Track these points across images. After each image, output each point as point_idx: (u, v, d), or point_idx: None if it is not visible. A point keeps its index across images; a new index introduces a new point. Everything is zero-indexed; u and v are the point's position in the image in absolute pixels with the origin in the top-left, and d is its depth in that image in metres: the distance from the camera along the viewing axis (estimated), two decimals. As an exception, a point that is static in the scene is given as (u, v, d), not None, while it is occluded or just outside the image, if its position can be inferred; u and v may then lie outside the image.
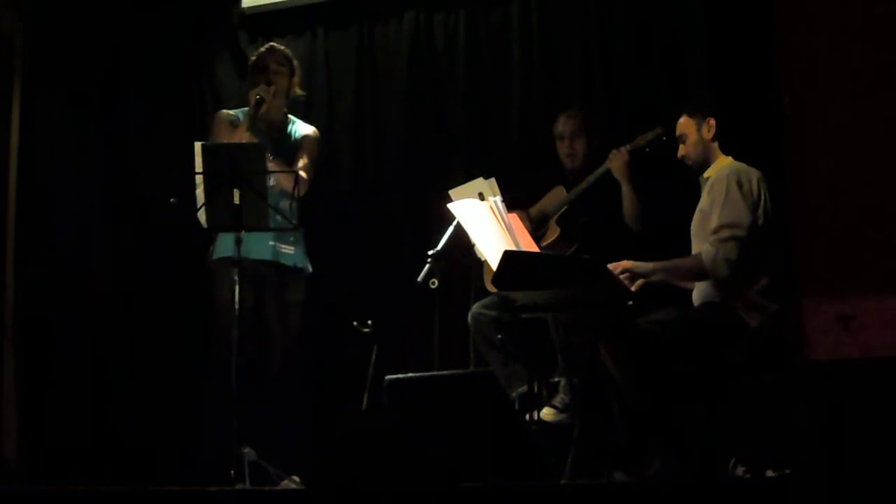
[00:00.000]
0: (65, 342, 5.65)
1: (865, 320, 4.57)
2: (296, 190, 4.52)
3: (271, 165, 4.63)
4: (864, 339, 4.53)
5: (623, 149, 4.62)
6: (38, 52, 5.87)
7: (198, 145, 4.42)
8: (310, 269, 4.91)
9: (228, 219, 4.34)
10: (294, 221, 4.57)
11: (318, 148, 5.02)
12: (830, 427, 3.75)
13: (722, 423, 3.92)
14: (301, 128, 4.99)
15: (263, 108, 4.75)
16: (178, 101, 5.79)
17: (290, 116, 5.01)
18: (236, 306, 4.30)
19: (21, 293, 5.69)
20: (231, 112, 4.98)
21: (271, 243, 4.77)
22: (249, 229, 4.44)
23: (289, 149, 4.89)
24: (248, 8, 5.80)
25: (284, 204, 4.59)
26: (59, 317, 5.66)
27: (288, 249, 4.82)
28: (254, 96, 4.74)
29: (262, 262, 4.75)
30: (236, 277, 4.32)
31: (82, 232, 5.74)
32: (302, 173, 4.70)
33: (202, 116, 5.75)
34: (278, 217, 4.54)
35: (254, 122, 4.72)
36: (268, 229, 4.58)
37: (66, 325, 5.65)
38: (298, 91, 5.03)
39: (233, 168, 4.31)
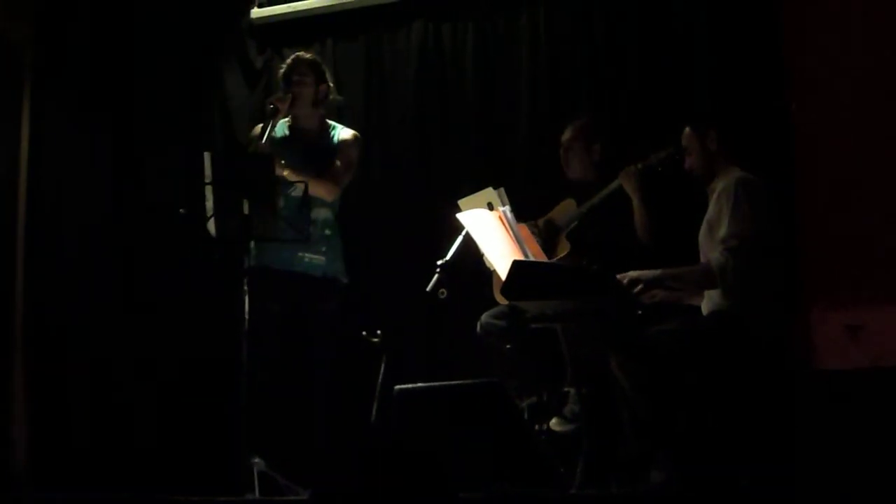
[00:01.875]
0: (74, 350, 5.65)
1: (873, 329, 4.56)
2: (307, 196, 4.57)
3: (288, 174, 4.65)
4: (872, 348, 4.53)
5: (634, 166, 4.62)
6: (47, 62, 5.88)
7: (207, 155, 4.43)
8: (344, 279, 4.92)
9: (238, 229, 4.37)
10: (305, 232, 4.60)
11: (357, 151, 5.00)
12: (838, 437, 3.76)
13: (729, 433, 3.92)
14: (341, 133, 4.99)
15: (279, 118, 4.76)
16: (187, 110, 5.80)
17: (331, 122, 5.00)
18: (246, 316, 4.32)
19: (30, 301, 5.70)
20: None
21: (300, 254, 4.78)
22: (259, 239, 4.47)
23: (332, 154, 4.90)
24: (257, 18, 5.81)
25: (304, 212, 4.63)
26: (69, 325, 5.67)
27: (318, 259, 4.84)
28: (268, 105, 4.76)
29: (291, 273, 4.77)
30: (246, 287, 4.34)
31: (91, 241, 5.75)
32: (334, 180, 4.79)
33: (211, 126, 5.78)
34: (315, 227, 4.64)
35: (270, 132, 4.68)
36: (277, 239, 4.60)
37: (75, 333, 5.66)
38: (334, 96, 5.02)
39: (241, 178, 4.34)
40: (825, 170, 4.75)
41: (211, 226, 4.41)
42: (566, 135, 4.87)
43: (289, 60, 4.97)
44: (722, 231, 3.93)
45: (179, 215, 4.57)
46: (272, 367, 4.68)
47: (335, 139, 4.96)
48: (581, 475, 4.04)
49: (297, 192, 4.63)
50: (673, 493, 3.71)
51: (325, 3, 5.70)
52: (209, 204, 4.38)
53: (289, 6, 5.75)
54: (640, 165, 4.60)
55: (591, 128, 4.89)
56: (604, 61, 5.25)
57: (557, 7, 5.38)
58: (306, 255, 4.79)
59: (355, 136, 4.99)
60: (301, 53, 5.02)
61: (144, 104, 5.87)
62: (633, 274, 3.93)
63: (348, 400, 5.05)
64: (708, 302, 4.07)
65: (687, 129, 4.22)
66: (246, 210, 4.34)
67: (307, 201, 4.61)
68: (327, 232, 4.77)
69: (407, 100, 5.58)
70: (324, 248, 4.83)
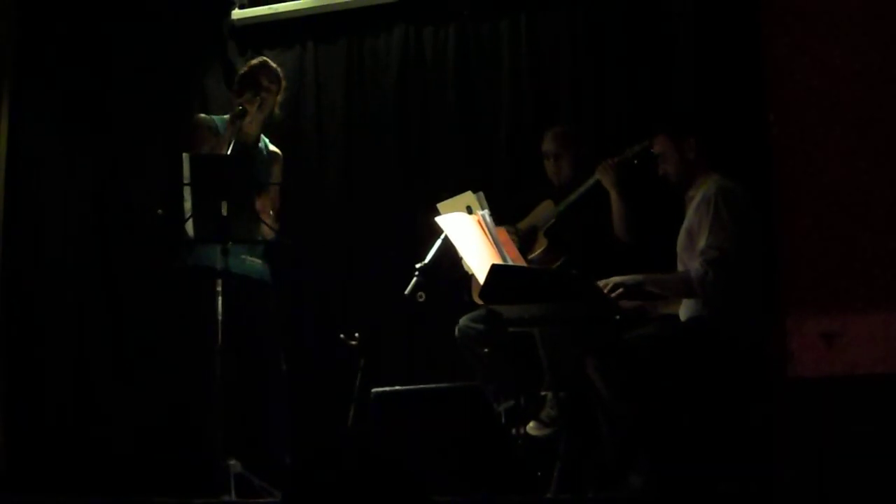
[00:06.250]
0: (51, 352, 5.63)
1: (849, 337, 4.58)
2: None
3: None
4: (847, 356, 4.54)
5: (611, 160, 4.63)
6: (27, 62, 5.86)
7: (186, 156, 4.42)
8: (270, 282, 4.91)
9: (216, 230, 4.35)
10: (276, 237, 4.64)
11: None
12: (814, 443, 3.77)
13: (707, 439, 3.93)
14: (271, 146, 4.98)
15: (246, 120, 4.74)
16: (168, 112, 5.78)
17: (261, 134, 4.98)
18: (219, 318, 4.31)
19: (8, 303, 5.67)
20: (209, 117, 4.96)
21: (242, 256, 4.75)
22: (237, 241, 4.45)
23: (262, 163, 4.88)
24: (238, 20, 5.80)
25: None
26: (46, 327, 5.65)
27: (257, 263, 4.83)
28: (237, 107, 4.74)
29: (233, 274, 4.71)
30: (219, 289, 4.32)
31: (70, 242, 5.73)
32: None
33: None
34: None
35: (236, 134, 4.68)
36: (257, 242, 4.59)
37: (53, 334, 5.64)
38: (277, 111, 4.97)
39: (221, 180, 4.33)
40: (803, 178, 4.76)
41: (189, 227, 4.39)
42: (551, 144, 4.86)
43: (255, 63, 4.94)
44: (702, 242, 3.93)
45: (157, 216, 4.55)
46: (232, 365, 4.66)
47: (264, 151, 4.94)
48: (558, 480, 4.04)
49: None
50: (650, 498, 3.72)
51: (307, 6, 5.69)
52: (187, 205, 4.36)
53: (270, 8, 5.74)
54: (616, 159, 4.61)
55: (577, 134, 4.91)
56: (586, 67, 5.26)
57: (539, 12, 5.39)
58: (248, 257, 4.78)
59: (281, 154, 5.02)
60: (267, 60, 5.00)
61: (125, 105, 5.84)
62: (615, 279, 3.93)
63: (325, 402, 5.04)
64: (685, 309, 4.08)
65: (661, 136, 4.21)
66: (224, 211, 4.34)
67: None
68: (259, 237, 4.76)
69: (387, 103, 5.58)
70: (259, 252, 4.83)
